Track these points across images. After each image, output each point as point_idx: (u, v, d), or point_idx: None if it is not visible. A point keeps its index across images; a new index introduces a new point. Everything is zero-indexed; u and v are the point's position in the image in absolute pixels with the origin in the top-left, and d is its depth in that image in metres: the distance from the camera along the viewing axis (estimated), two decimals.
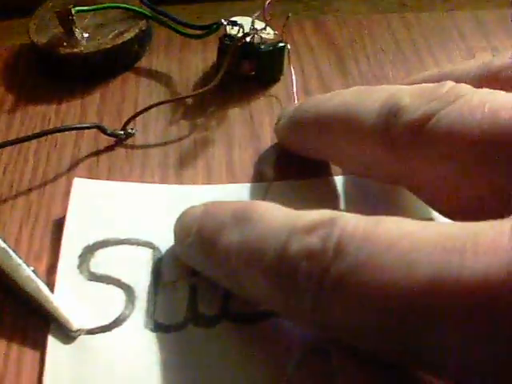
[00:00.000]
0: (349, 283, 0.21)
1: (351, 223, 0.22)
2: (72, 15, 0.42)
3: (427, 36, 0.46)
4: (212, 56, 0.44)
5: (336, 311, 0.22)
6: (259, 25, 0.40)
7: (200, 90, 0.38)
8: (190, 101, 0.41)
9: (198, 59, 0.45)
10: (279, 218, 0.24)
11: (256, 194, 0.35)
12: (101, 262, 0.32)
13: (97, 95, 0.42)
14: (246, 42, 0.39)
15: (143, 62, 0.45)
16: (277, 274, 0.23)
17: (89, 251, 0.32)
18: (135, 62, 0.45)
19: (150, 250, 0.32)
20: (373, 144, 0.28)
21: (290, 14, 0.40)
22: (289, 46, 0.41)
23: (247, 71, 0.41)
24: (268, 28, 0.40)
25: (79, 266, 0.31)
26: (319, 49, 0.45)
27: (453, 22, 0.48)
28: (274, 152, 0.37)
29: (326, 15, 0.48)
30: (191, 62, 0.44)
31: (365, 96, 0.29)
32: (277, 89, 0.42)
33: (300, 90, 0.41)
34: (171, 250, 0.32)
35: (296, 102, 0.40)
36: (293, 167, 0.36)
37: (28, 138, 0.37)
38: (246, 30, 0.40)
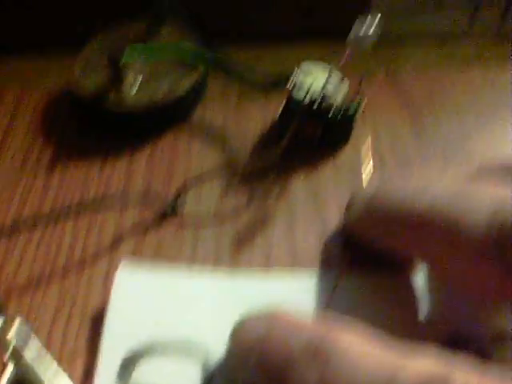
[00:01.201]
0: None
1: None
2: (122, 61, 0.38)
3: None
4: (273, 111, 0.39)
5: None
6: (324, 75, 0.36)
7: (259, 163, 0.34)
8: (248, 167, 0.37)
9: (258, 114, 0.40)
10: (371, 359, 0.20)
11: (323, 288, 0.30)
12: (145, 373, 0.27)
13: (145, 154, 0.38)
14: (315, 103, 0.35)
15: (197, 116, 0.40)
16: None
17: (130, 362, 0.28)
18: (188, 115, 0.40)
19: (199, 361, 0.28)
20: (481, 259, 0.23)
21: (363, 71, 0.35)
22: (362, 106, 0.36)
23: (311, 135, 0.37)
24: (340, 82, 0.35)
25: (120, 377, 0.27)
26: (393, 105, 0.40)
27: None
28: (342, 237, 0.33)
29: (398, 67, 0.43)
30: (250, 118, 0.40)
31: (466, 199, 0.24)
32: (345, 154, 0.37)
33: (372, 154, 0.36)
34: (223, 363, 0.28)
35: (369, 172, 0.35)
36: (366, 258, 0.31)
37: (64, 214, 0.33)
38: (317, 86, 0.35)
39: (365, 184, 0.34)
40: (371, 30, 0.32)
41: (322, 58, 0.38)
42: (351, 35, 0.32)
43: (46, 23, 0.44)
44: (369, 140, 0.36)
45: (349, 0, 0.44)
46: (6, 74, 0.44)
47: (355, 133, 0.37)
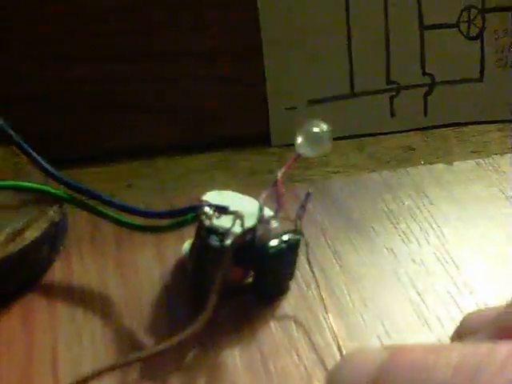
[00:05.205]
0: None
1: None
2: None
3: None
4: (170, 249, 0.28)
5: None
6: (249, 205, 0.25)
7: (174, 340, 0.22)
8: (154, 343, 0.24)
9: (148, 259, 0.28)
10: None
11: None
12: None
13: None
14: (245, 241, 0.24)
15: (54, 272, 0.27)
16: None
17: None
18: (43, 272, 0.27)
19: None
20: None
21: (310, 191, 0.25)
22: (305, 240, 0.26)
23: (238, 280, 0.26)
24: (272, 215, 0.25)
25: None
26: (335, 229, 0.30)
27: None
28: None
29: (325, 175, 0.34)
30: (139, 266, 0.28)
31: None
32: (290, 301, 0.26)
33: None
34: None
35: (331, 325, 0.24)
36: None
37: None
38: (238, 216, 0.24)
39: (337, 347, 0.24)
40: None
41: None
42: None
43: None
44: (318, 279, 0.25)
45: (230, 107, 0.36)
46: None
47: (298, 272, 0.27)
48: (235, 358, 0.24)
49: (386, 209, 0.32)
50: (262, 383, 0.23)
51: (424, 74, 0.38)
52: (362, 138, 0.37)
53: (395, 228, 0.31)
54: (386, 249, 0.29)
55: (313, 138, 0.24)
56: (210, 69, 0.36)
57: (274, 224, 0.25)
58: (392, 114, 0.37)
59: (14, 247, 0.25)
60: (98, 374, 0.21)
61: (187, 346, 0.23)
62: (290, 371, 0.23)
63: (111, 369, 0.21)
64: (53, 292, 0.26)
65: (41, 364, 0.23)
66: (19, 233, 0.25)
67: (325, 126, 0.24)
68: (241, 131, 0.36)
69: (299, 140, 0.24)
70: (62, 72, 0.35)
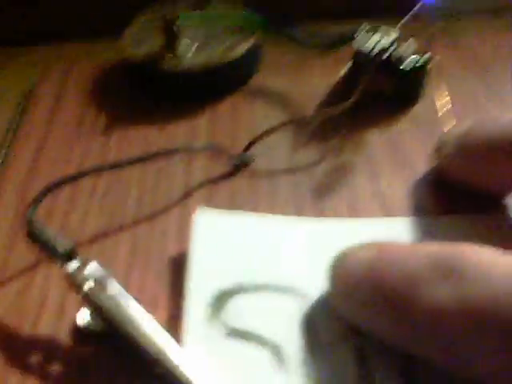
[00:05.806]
0: None
1: None
2: (177, 24, 0.36)
3: None
4: (333, 71, 0.38)
5: None
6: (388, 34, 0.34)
7: (331, 109, 0.32)
8: (316, 122, 0.34)
9: (318, 75, 0.39)
10: (508, 271, 0.18)
11: (420, 232, 0.28)
12: (236, 314, 0.25)
13: (205, 117, 0.36)
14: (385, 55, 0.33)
15: (255, 80, 0.39)
16: None
17: (220, 300, 0.25)
18: (247, 79, 0.39)
19: (296, 300, 0.25)
20: None
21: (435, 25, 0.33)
22: (433, 61, 0.34)
23: (383, 89, 0.35)
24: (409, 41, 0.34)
25: (210, 319, 0.24)
26: (461, 64, 0.38)
27: None
28: (430, 180, 0.31)
29: (457, 34, 0.42)
30: (311, 79, 0.38)
31: None
32: (418, 109, 0.35)
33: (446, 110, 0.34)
34: (325, 301, 0.25)
35: (451, 124, 0.33)
36: (458, 199, 0.29)
37: (131, 162, 0.30)
38: (384, 42, 0.33)
39: None
40: None
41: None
42: None
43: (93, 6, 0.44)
44: (445, 92, 0.34)
45: None
46: (55, 56, 0.43)
47: (428, 86, 0.35)
48: (375, 136, 0.34)
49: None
50: (392, 155, 0.32)
51: None
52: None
53: None
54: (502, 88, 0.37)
55: None
56: None
57: (411, 46, 0.34)
58: None
59: (230, 56, 0.36)
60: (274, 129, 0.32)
61: (338, 125, 0.33)
62: (412, 151, 0.33)
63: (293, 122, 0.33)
64: (252, 96, 0.38)
65: (243, 132, 0.35)
66: (232, 47, 0.37)
67: None
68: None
69: None
70: None
